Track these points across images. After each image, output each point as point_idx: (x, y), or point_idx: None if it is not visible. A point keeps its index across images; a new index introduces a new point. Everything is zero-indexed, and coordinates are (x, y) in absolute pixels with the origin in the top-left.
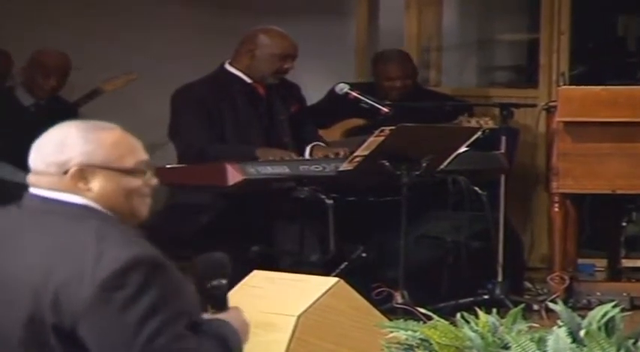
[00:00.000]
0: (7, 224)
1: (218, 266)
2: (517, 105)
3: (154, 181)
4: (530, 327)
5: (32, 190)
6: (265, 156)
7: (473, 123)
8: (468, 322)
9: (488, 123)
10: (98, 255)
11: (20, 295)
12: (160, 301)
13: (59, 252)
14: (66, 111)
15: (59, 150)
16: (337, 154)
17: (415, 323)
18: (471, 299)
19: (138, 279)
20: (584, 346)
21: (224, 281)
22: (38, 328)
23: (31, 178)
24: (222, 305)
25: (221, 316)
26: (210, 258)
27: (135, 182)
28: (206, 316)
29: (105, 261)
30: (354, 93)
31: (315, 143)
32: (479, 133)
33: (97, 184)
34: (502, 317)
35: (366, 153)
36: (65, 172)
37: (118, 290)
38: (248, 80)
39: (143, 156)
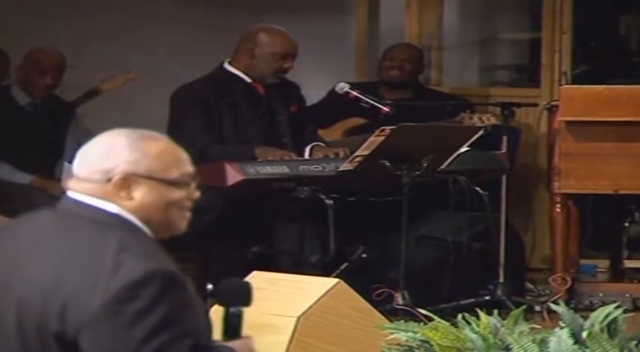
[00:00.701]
0: (38, 226)
1: (241, 293)
2: (519, 105)
3: (197, 195)
4: (532, 329)
5: (70, 194)
6: (264, 156)
7: (475, 119)
8: (469, 323)
9: (491, 120)
10: (115, 266)
11: (31, 297)
12: (169, 318)
13: (77, 258)
14: (63, 111)
15: (105, 157)
16: (337, 154)
17: (416, 324)
18: (473, 300)
19: (150, 293)
20: (587, 347)
21: (242, 309)
22: (41, 332)
23: (72, 183)
24: (236, 333)
25: (231, 344)
26: (234, 284)
27: (178, 194)
28: (217, 342)
29: (121, 273)
30: (355, 93)
31: (315, 143)
32: (481, 132)
33: (139, 194)
34: (503, 319)
35: (366, 152)
36: (109, 180)
37: (129, 303)
38: (247, 79)
39: (189, 168)
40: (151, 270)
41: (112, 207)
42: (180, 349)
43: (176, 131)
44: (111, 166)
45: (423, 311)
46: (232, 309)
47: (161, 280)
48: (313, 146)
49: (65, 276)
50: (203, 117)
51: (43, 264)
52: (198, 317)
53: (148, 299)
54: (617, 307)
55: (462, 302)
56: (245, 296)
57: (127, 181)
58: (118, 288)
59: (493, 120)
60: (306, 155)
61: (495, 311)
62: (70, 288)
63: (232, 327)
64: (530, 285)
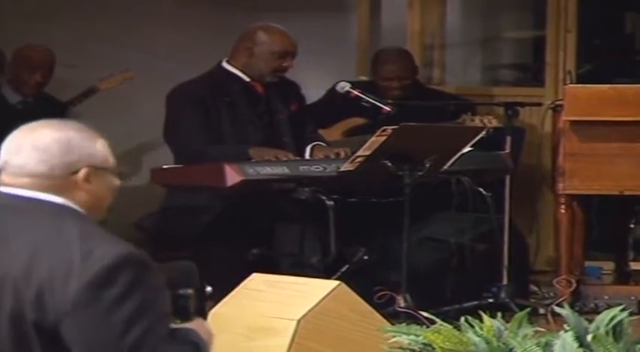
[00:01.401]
0: None
1: (185, 275)
2: (522, 104)
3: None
4: (536, 332)
5: (3, 189)
6: (259, 156)
7: (476, 121)
8: (472, 326)
9: (492, 122)
10: (86, 252)
11: (3, 289)
12: (148, 301)
13: (43, 248)
14: (55, 110)
15: (67, 152)
16: (338, 154)
17: (418, 327)
18: (476, 302)
19: (127, 278)
20: (592, 351)
21: (190, 291)
22: (19, 323)
23: (8, 179)
24: (187, 315)
25: (187, 325)
26: (178, 267)
27: (117, 181)
28: (173, 325)
29: (93, 259)
30: (356, 92)
31: (315, 143)
32: (483, 132)
33: (95, 185)
34: (507, 322)
35: (367, 153)
36: (73, 173)
37: (106, 288)
38: (246, 78)
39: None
40: (124, 254)
41: (55, 199)
42: (160, 331)
43: (172, 130)
44: (73, 160)
45: (425, 314)
46: (180, 291)
47: (135, 264)
48: (314, 146)
49: (35, 265)
50: (199, 117)
51: (8, 256)
52: (168, 300)
53: (126, 283)
54: (623, 310)
55: (465, 304)
56: (190, 277)
57: (90, 174)
58: (93, 274)
59: (495, 123)
60: (307, 155)
61: (499, 314)
62: (42, 276)
63: (183, 309)
64: (534, 288)
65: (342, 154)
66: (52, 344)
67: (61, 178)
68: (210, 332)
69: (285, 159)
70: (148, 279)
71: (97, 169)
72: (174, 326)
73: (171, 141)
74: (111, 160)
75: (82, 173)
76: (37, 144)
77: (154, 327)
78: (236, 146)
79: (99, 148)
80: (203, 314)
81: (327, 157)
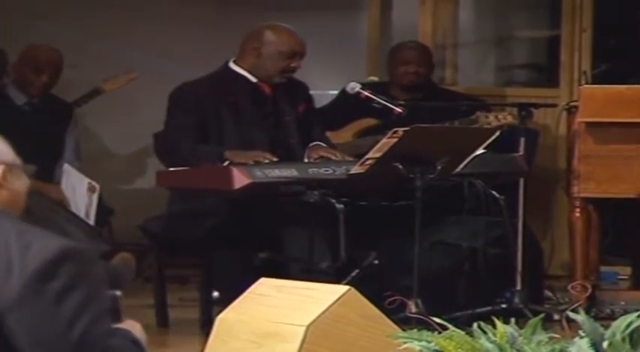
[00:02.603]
0: None
1: (112, 276)
2: (536, 105)
3: None
4: (551, 338)
5: None
6: (234, 158)
7: (491, 118)
8: (485, 332)
9: (507, 119)
10: (24, 246)
11: None
12: (92, 294)
13: None
14: (61, 111)
15: None
16: (332, 157)
17: (430, 333)
18: (489, 308)
19: (70, 270)
20: None
21: (119, 293)
22: None
23: None
24: (118, 316)
25: (122, 326)
26: (108, 268)
27: (27, 178)
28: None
29: (33, 252)
30: (366, 93)
31: (314, 143)
32: (497, 133)
33: (12, 183)
34: (521, 328)
35: (378, 155)
36: None
37: (50, 282)
38: (253, 79)
39: None
40: (65, 248)
41: None
42: (105, 325)
43: (165, 128)
44: None
45: (437, 320)
46: (110, 292)
47: (78, 257)
48: (311, 146)
49: None
50: (193, 118)
51: None
52: (107, 295)
53: (69, 276)
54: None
55: (478, 310)
56: (117, 279)
57: (5, 172)
58: (35, 267)
59: (510, 119)
60: (305, 155)
61: (512, 320)
62: None
63: (113, 311)
64: (548, 293)
65: (339, 157)
66: None
67: None
68: (142, 333)
69: (266, 161)
70: (90, 272)
71: (10, 166)
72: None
73: (163, 140)
74: (17, 159)
75: None
76: None
77: (99, 319)
78: (212, 147)
79: (6, 146)
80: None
81: (321, 158)
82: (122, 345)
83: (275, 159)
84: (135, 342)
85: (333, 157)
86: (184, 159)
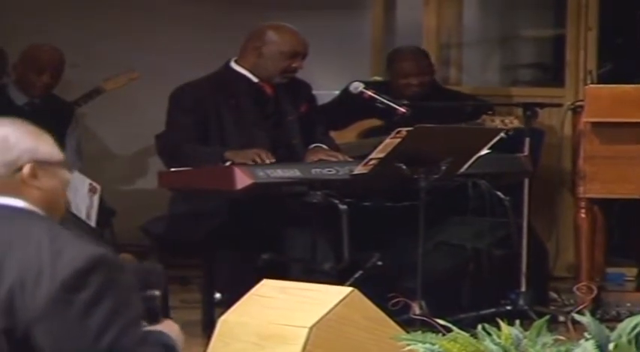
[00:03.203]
0: None
1: (151, 276)
2: (542, 105)
3: None
4: (556, 340)
5: None
6: (235, 158)
7: (497, 122)
8: (489, 334)
9: (514, 122)
10: (55, 254)
11: None
12: (121, 303)
13: (9, 253)
14: (62, 111)
15: (5, 149)
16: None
17: (434, 335)
18: (493, 310)
19: (99, 280)
20: None
21: (157, 293)
22: None
23: None
24: (155, 316)
25: (157, 327)
26: (143, 268)
27: (68, 174)
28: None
29: (64, 260)
30: (370, 93)
31: (314, 145)
32: (502, 134)
33: (44, 181)
34: (526, 330)
35: (381, 155)
36: (17, 170)
37: (79, 292)
38: (254, 79)
39: None
40: (95, 256)
41: (15, 202)
42: (134, 334)
43: (166, 129)
44: (14, 157)
45: (441, 322)
46: (147, 292)
47: (107, 266)
48: (311, 148)
49: (3, 271)
50: (194, 119)
51: None
52: (139, 302)
53: (98, 286)
54: None
55: (482, 312)
56: (155, 278)
57: (35, 169)
58: (64, 277)
59: (516, 123)
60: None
61: (517, 322)
62: (11, 281)
63: (150, 311)
64: (553, 294)
65: (339, 159)
66: (22, 351)
67: (7, 177)
68: (179, 334)
69: (268, 161)
70: (119, 281)
71: (42, 164)
72: (144, 329)
73: (158, 139)
74: (57, 154)
75: (25, 169)
76: None
77: (127, 329)
78: (213, 148)
79: (41, 143)
80: (167, 316)
81: (320, 161)
82: None
83: (272, 159)
84: (167, 346)
85: (333, 159)
86: (185, 160)
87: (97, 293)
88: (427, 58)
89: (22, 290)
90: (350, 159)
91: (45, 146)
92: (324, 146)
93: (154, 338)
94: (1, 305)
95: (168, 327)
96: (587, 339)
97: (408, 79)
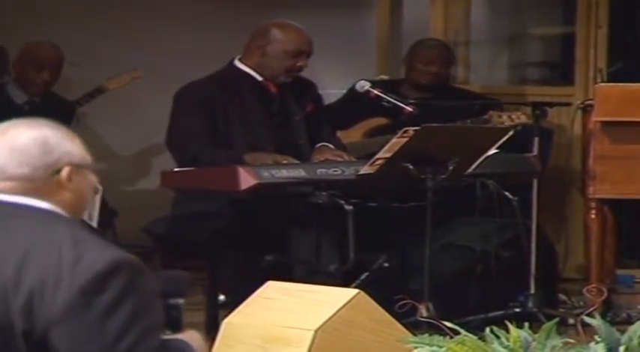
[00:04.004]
0: None
1: (177, 284)
2: (551, 104)
3: None
4: (566, 343)
5: None
6: (254, 161)
7: (504, 118)
8: (498, 337)
9: (521, 118)
10: (76, 258)
11: None
12: (141, 307)
13: (32, 254)
14: (63, 110)
15: (45, 152)
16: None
17: (441, 338)
18: (502, 312)
19: (119, 284)
20: None
21: (181, 301)
22: (7, 333)
23: None
24: (177, 325)
25: (179, 336)
26: (169, 275)
27: (95, 177)
28: (164, 336)
29: (84, 264)
30: (376, 92)
31: (321, 144)
32: (511, 132)
33: (77, 184)
34: (535, 332)
35: (388, 155)
36: (55, 173)
37: (98, 295)
38: (259, 78)
39: None
40: (116, 260)
41: (42, 204)
42: (153, 340)
43: (172, 131)
44: (54, 160)
45: (449, 324)
46: (171, 301)
47: (128, 270)
48: (320, 146)
49: (25, 272)
50: (201, 119)
51: None
52: (160, 308)
53: (118, 290)
54: None
55: (491, 314)
56: (181, 287)
57: (71, 173)
58: (85, 280)
59: (524, 119)
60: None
61: (526, 324)
62: (32, 283)
63: (174, 319)
64: (563, 297)
65: (346, 159)
66: None
67: (43, 180)
68: (202, 345)
69: (285, 162)
70: (140, 285)
71: (77, 167)
72: (165, 337)
73: (168, 144)
74: (88, 158)
75: (64, 172)
76: (14, 145)
77: (146, 336)
78: (230, 151)
79: (76, 146)
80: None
81: (326, 161)
82: None
83: (296, 161)
84: None
85: (339, 159)
86: (195, 163)
87: (117, 297)
88: (450, 52)
89: (41, 293)
90: (355, 159)
91: (79, 149)
92: (331, 145)
93: (173, 346)
94: (21, 307)
95: (190, 336)
96: (597, 342)
97: (428, 66)
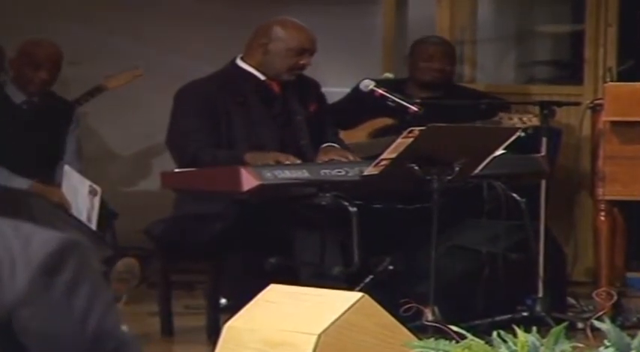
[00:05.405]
0: None
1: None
2: (559, 104)
3: None
4: (574, 347)
5: None
6: (255, 161)
7: (515, 120)
8: (505, 341)
9: (532, 121)
10: (24, 241)
11: None
12: (98, 285)
13: None
14: (62, 109)
15: None
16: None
17: (447, 342)
18: (509, 316)
19: (76, 261)
20: None
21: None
22: None
23: None
24: None
25: None
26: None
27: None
28: None
29: (35, 246)
30: (381, 91)
31: (326, 144)
32: (519, 133)
33: None
34: (543, 337)
35: (393, 156)
36: None
37: (57, 274)
38: (261, 77)
39: None
40: (64, 239)
41: None
42: (114, 315)
43: (172, 131)
44: None
45: (455, 328)
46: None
47: (80, 248)
48: (326, 146)
49: None
50: (201, 119)
51: None
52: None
53: (75, 267)
54: None
55: (498, 318)
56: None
57: None
58: (40, 261)
59: (535, 121)
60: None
61: (534, 329)
62: None
63: None
64: (571, 300)
65: (351, 159)
66: (4, 341)
67: None
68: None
69: (287, 162)
70: (92, 263)
71: None
72: None
73: (168, 144)
74: None
75: None
76: None
77: (108, 311)
78: (231, 151)
79: None
80: None
81: (332, 161)
82: (132, 339)
83: (298, 161)
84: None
85: (344, 160)
86: (195, 163)
87: (76, 275)
88: (452, 48)
89: None
90: (361, 160)
91: None
92: (336, 145)
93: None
94: None
95: None
96: (606, 347)
97: (430, 62)
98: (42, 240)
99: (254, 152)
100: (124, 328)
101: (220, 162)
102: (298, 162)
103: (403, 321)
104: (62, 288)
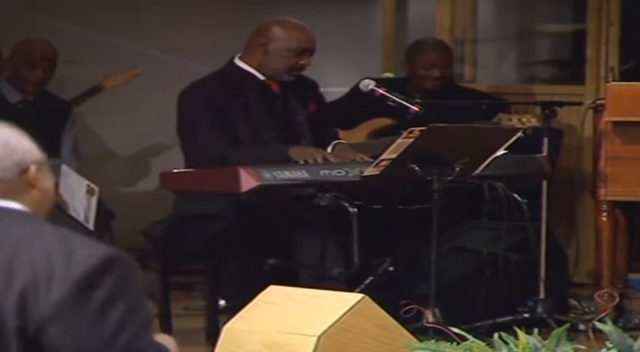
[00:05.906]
0: None
1: (149, 286)
2: (561, 104)
3: None
4: (576, 349)
5: None
6: (299, 156)
7: (514, 121)
8: (506, 343)
9: (532, 122)
10: (67, 254)
11: None
12: (135, 303)
13: (20, 253)
14: (58, 109)
15: (10, 151)
16: (356, 159)
17: (448, 344)
18: (510, 317)
19: (114, 279)
20: None
21: (151, 303)
22: (0, 332)
23: None
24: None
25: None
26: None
27: (52, 176)
28: None
29: (76, 260)
30: (381, 90)
31: (337, 141)
32: (520, 134)
33: (43, 182)
34: (544, 338)
35: (393, 156)
36: (23, 172)
37: (93, 291)
38: (260, 77)
39: None
40: (109, 255)
41: (10, 204)
42: (148, 335)
43: (188, 135)
44: (20, 158)
45: (456, 330)
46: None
47: (121, 265)
48: (337, 144)
49: (15, 271)
50: (215, 119)
51: None
52: (148, 304)
53: (113, 285)
54: None
55: (499, 320)
56: (152, 290)
57: (37, 170)
58: (78, 276)
59: (534, 122)
60: (329, 150)
61: (535, 330)
62: (24, 280)
63: None
64: (573, 302)
65: (358, 159)
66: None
67: (12, 180)
68: (175, 348)
69: (321, 160)
70: (132, 280)
71: (41, 165)
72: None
73: (188, 147)
74: (42, 153)
75: (32, 170)
76: None
77: (142, 330)
78: (271, 146)
79: (32, 143)
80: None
81: (348, 159)
82: None
83: (332, 160)
84: None
85: (359, 159)
86: (228, 162)
87: (112, 292)
88: (450, 52)
89: (34, 291)
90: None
91: (35, 146)
92: (346, 142)
93: (161, 344)
94: (15, 305)
95: (166, 341)
96: (608, 349)
97: (430, 70)
98: (84, 254)
99: (297, 146)
100: (169, 343)
101: (259, 160)
102: (335, 160)
103: (404, 323)
104: (96, 305)
